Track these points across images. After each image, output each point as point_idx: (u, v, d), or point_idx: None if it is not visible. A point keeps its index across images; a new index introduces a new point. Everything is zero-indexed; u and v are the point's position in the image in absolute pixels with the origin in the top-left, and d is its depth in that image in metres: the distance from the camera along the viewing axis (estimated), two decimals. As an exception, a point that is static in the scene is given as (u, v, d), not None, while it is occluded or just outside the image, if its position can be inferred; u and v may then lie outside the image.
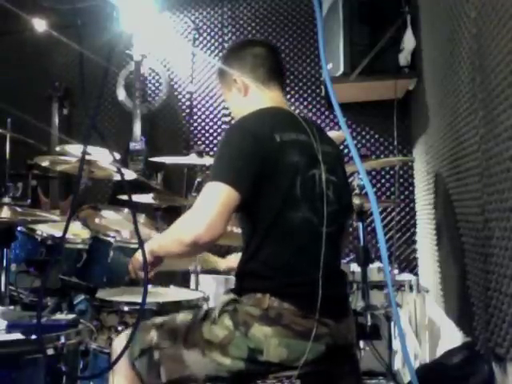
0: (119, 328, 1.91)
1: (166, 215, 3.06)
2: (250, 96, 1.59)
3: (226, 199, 1.31)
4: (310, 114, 3.77)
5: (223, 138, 1.44)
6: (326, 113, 3.77)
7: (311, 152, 1.44)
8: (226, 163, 1.37)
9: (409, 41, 2.87)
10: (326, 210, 1.40)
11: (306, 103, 3.80)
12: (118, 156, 3.21)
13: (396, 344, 2.26)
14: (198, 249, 1.37)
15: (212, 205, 1.31)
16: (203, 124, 4.03)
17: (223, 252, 3.61)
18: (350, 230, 2.38)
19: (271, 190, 1.37)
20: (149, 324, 1.47)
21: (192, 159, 2.72)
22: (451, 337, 2.14)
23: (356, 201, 2.25)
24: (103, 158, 2.34)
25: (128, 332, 1.54)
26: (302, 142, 1.44)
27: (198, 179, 2.83)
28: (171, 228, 1.41)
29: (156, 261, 1.50)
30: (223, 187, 1.31)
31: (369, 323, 2.15)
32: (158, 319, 1.50)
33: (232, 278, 1.51)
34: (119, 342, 1.52)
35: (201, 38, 4.08)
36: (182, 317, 1.48)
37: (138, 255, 1.52)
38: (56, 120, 4.10)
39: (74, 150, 2.58)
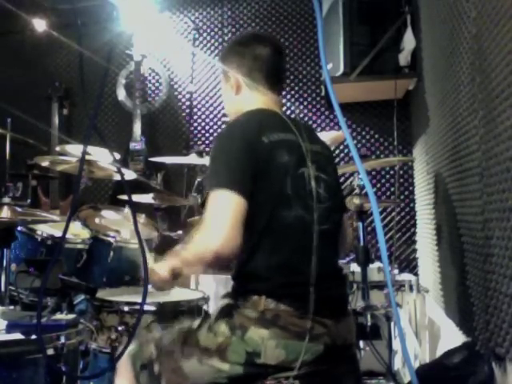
0: (119, 328, 1.90)
1: (165, 215, 3.06)
2: (241, 96, 1.58)
3: (236, 206, 1.31)
4: (310, 114, 3.77)
5: (214, 145, 1.44)
6: (326, 113, 3.77)
7: (299, 151, 1.44)
8: (224, 168, 1.37)
9: (409, 41, 2.87)
10: (319, 207, 1.40)
11: (305, 103, 3.80)
12: (118, 156, 3.21)
13: (396, 344, 2.26)
14: (221, 263, 1.35)
15: (225, 215, 1.30)
16: (203, 124, 4.03)
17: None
18: (350, 229, 2.37)
19: (263, 191, 1.37)
20: (148, 339, 1.46)
21: (192, 159, 2.72)
22: (451, 337, 2.14)
23: (356, 201, 2.25)
24: (103, 157, 2.34)
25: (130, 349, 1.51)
26: (290, 142, 1.44)
27: (198, 179, 2.83)
28: (191, 245, 1.36)
29: (176, 276, 1.44)
30: (230, 195, 1.31)
31: (369, 323, 2.15)
32: (157, 333, 1.49)
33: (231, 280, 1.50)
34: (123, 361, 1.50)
35: (201, 38, 4.08)
36: (179, 328, 1.47)
37: (156, 269, 1.42)
38: (56, 120, 4.09)
39: (74, 149, 2.58)
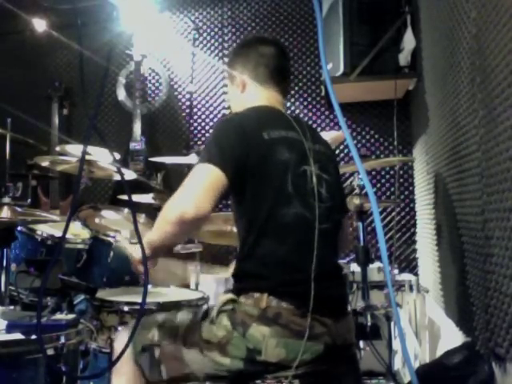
0: (119, 328, 1.91)
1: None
2: (246, 93, 1.60)
3: (212, 178, 1.33)
4: (310, 114, 3.77)
5: (212, 130, 1.47)
6: (326, 113, 3.77)
7: (301, 149, 1.45)
8: (213, 148, 1.40)
9: (409, 41, 2.87)
10: (320, 206, 1.40)
11: (306, 103, 3.80)
12: (118, 156, 3.21)
13: (396, 344, 2.26)
14: (184, 226, 1.34)
15: (198, 182, 1.34)
16: (203, 124, 4.03)
17: (223, 252, 3.62)
18: (351, 229, 2.37)
19: (263, 188, 1.38)
20: (150, 322, 1.47)
21: (192, 159, 2.72)
22: (451, 337, 2.14)
23: (356, 201, 2.24)
24: (103, 157, 2.34)
25: (129, 329, 1.53)
26: (292, 139, 1.45)
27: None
28: (163, 209, 1.41)
29: (155, 252, 1.47)
30: (210, 167, 1.34)
31: (369, 323, 2.15)
32: (160, 317, 1.50)
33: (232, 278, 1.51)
34: (121, 338, 1.52)
35: (201, 38, 4.08)
36: (182, 315, 1.48)
37: (135, 254, 1.50)
38: (56, 120, 4.09)
39: (74, 149, 2.58)
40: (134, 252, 1.50)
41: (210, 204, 1.31)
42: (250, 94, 1.59)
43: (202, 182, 1.33)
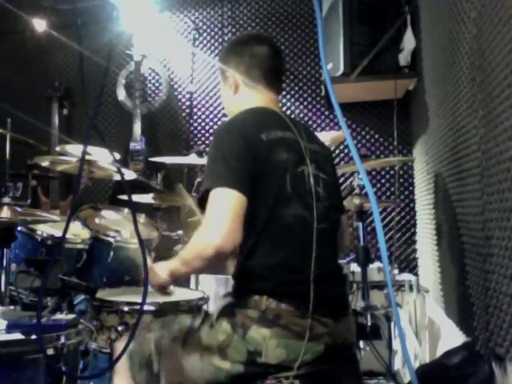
0: (119, 328, 1.90)
1: (165, 215, 3.06)
2: (240, 94, 1.59)
3: (235, 204, 1.30)
4: (310, 114, 3.77)
5: (212, 142, 1.43)
6: (326, 113, 3.77)
7: (298, 149, 1.44)
8: (222, 166, 1.36)
9: (409, 41, 2.87)
10: (318, 206, 1.40)
11: (306, 103, 3.80)
12: (118, 156, 3.21)
13: (396, 344, 2.26)
14: (222, 259, 1.36)
15: (224, 212, 1.30)
16: (203, 124, 4.03)
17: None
18: (350, 229, 2.37)
19: (262, 189, 1.37)
20: (147, 337, 1.45)
21: (192, 159, 2.72)
22: (451, 337, 2.14)
23: (356, 201, 2.25)
24: (103, 157, 2.34)
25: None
26: (289, 140, 1.45)
27: (198, 179, 2.83)
28: (190, 244, 1.38)
29: (176, 279, 1.47)
30: (229, 192, 1.31)
31: (369, 323, 2.15)
32: (157, 324, 1.49)
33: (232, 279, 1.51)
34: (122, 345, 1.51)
35: (201, 38, 4.08)
36: (180, 322, 1.47)
37: (155, 271, 1.47)
38: (56, 120, 4.09)
39: (74, 149, 2.58)
40: (155, 277, 1.46)
41: (241, 230, 1.30)
42: (243, 95, 1.58)
43: (229, 211, 1.29)
